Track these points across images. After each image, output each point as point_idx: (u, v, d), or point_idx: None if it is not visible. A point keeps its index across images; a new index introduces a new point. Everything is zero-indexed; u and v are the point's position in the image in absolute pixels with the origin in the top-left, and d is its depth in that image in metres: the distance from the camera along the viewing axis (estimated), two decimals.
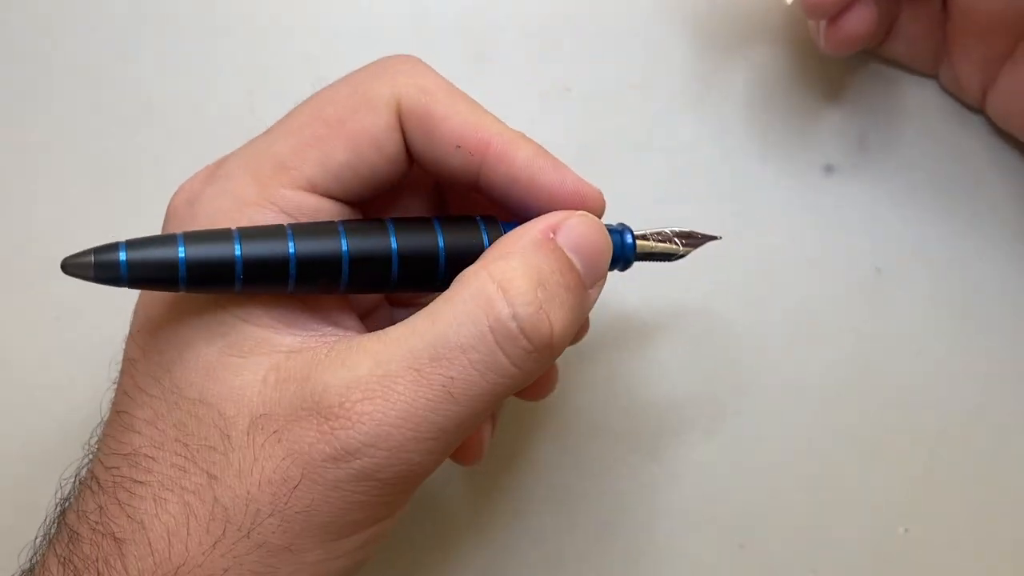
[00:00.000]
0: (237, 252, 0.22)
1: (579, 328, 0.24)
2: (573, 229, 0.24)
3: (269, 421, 0.22)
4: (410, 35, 0.36)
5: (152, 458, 0.23)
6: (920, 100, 0.35)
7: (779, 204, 0.35)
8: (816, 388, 0.34)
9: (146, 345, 0.24)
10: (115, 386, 0.25)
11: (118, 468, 0.23)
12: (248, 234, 0.22)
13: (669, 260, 0.28)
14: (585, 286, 0.24)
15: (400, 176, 0.25)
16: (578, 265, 0.24)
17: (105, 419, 0.25)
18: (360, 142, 0.24)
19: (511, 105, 0.35)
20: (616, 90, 0.35)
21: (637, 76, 0.35)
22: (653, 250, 0.27)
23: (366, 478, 0.22)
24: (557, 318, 0.22)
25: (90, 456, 0.25)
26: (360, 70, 0.25)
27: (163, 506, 0.22)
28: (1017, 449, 0.33)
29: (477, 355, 0.22)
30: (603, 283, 0.25)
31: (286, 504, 0.22)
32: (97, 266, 0.21)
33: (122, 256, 0.21)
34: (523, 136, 0.25)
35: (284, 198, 0.24)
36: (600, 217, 0.25)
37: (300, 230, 0.23)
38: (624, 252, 0.26)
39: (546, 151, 0.25)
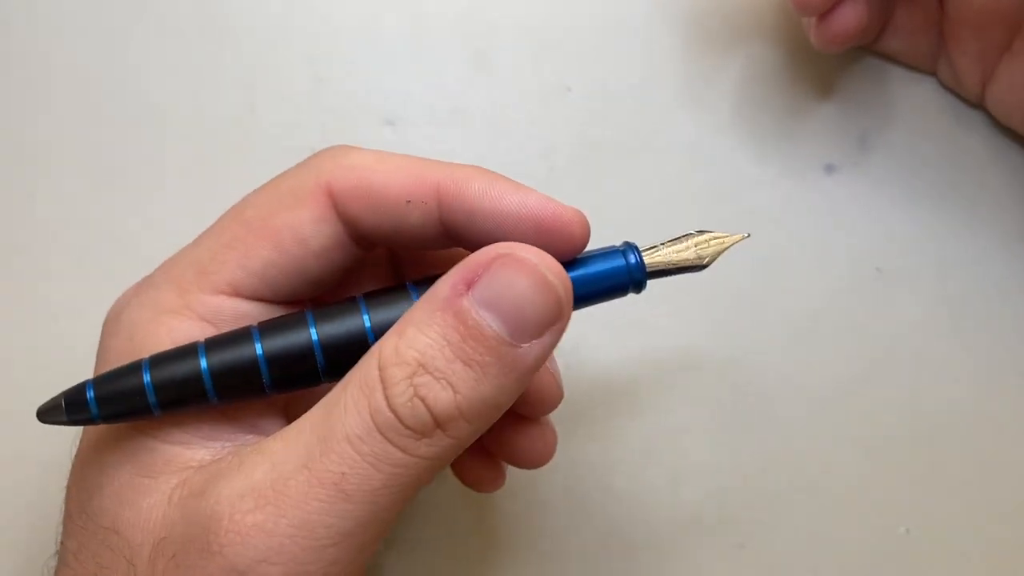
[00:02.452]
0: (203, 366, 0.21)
1: (515, 392, 0.21)
2: (493, 280, 0.21)
3: (168, 545, 0.21)
4: (410, 35, 0.36)
5: None
6: (920, 97, 0.35)
7: (779, 204, 0.35)
8: (816, 388, 0.34)
9: (77, 476, 0.24)
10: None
11: None
12: (213, 344, 0.22)
13: (694, 271, 0.25)
14: (510, 346, 0.20)
15: (343, 267, 0.24)
16: (494, 325, 0.20)
17: None
18: (282, 239, 0.23)
19: (511, 105, 0.36)
20: (616, 90, 0.35)
21: (637, 76, 0.35)
22: (670, 265, 0.24)
23: None
24: (441, 399, 0.20)
25: None
26: (285, 171, 0.24)
27: None
28: (1017, 449, 0.33)
29: (366, 446, 0.20)
30: (558, 331, 0.21)
31: None
32: (68, 408, 0.21)
33: (89, 394, 0.21)
34: (476, 167, 0.23)
35: (203, 304, 0.23)
36: (583, 238, 0.23)
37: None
38: (632, 274, 0.23)
39: (505, 177, 0.23)
